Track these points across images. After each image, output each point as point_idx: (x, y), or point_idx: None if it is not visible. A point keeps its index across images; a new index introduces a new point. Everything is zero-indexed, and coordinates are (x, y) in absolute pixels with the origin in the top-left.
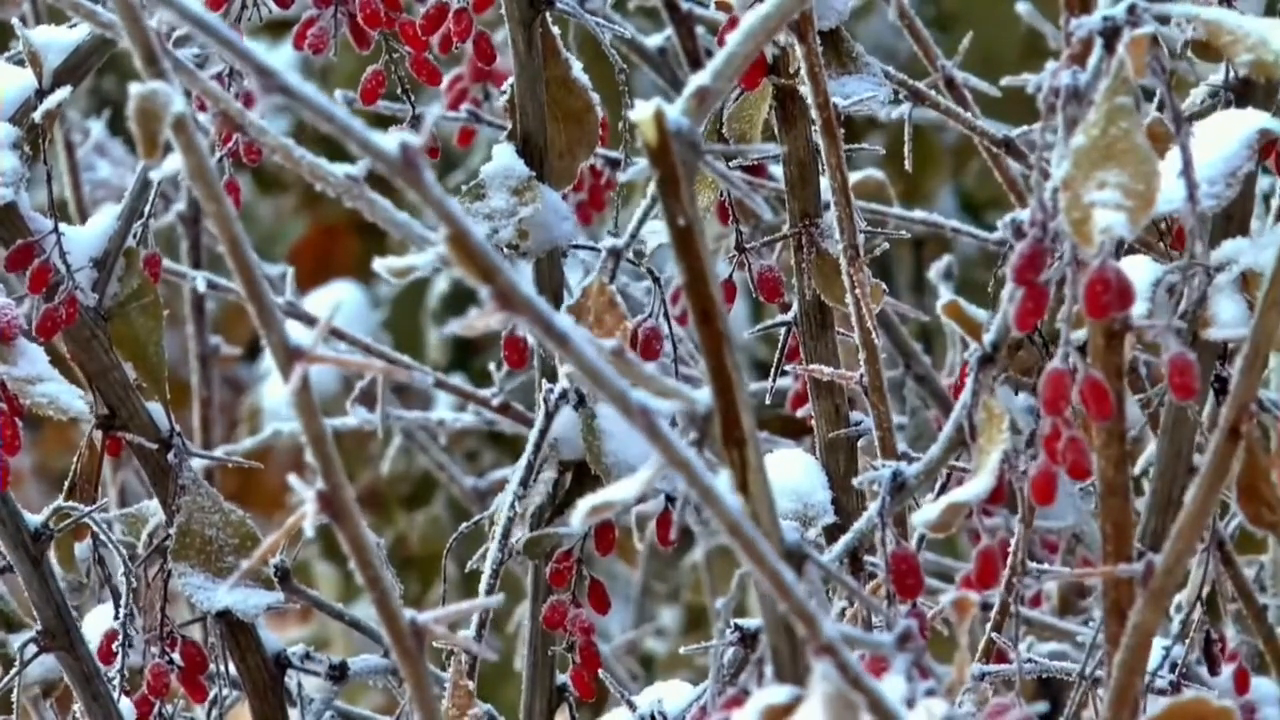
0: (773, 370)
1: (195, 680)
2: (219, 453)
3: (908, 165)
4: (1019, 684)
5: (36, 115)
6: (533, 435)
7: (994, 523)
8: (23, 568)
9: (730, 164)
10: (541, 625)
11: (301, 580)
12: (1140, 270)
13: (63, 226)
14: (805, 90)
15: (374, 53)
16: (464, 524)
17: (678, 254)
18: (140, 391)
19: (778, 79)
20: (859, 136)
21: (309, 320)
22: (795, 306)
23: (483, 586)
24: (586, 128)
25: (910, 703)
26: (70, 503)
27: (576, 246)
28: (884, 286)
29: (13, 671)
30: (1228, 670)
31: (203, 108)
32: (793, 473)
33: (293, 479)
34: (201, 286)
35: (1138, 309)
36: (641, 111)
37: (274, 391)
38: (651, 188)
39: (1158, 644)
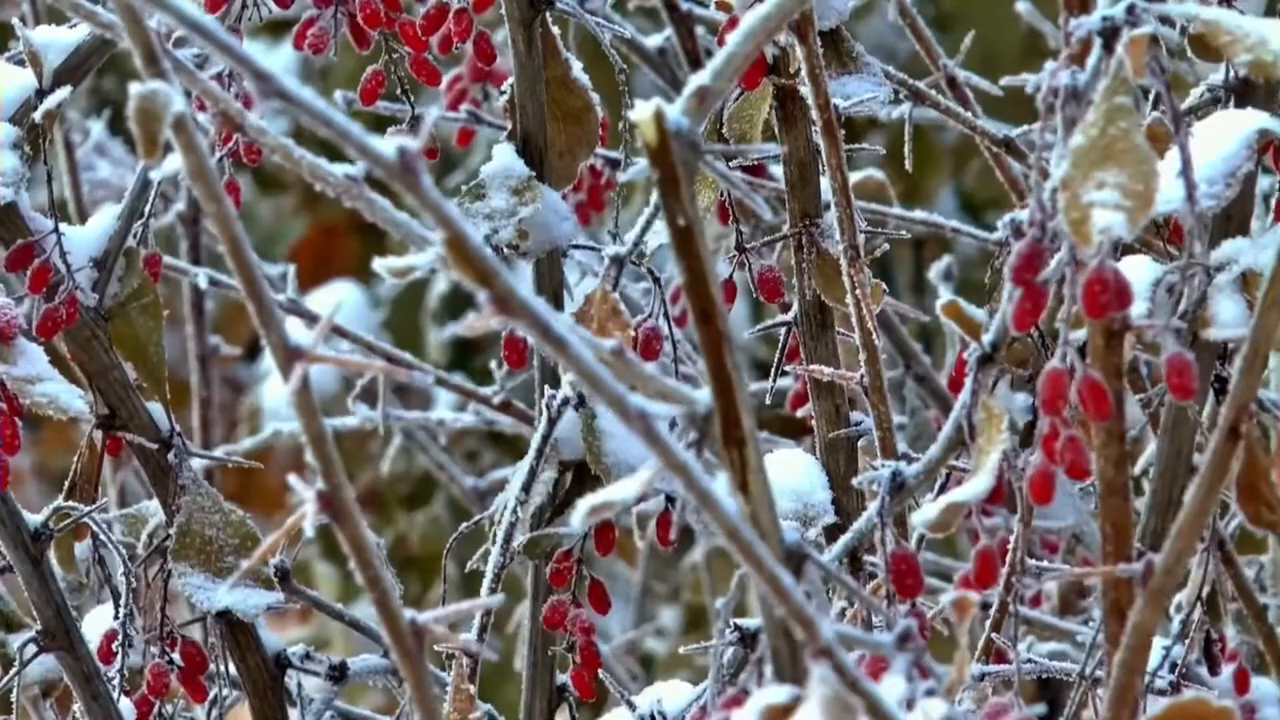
0: (773, 370)
1: (195, 680)
2: (219, 453)
3: (908, 165)
4: (1018, 684)
5: (36, 115)
6: (535, 440)
7: (993, 523)
8: (23, 568)
9: (730, 164)
10: (541, 625)
11: (301, 580)
12: (1139, 270)
13: (63, 226)
14: (806, 91)
15: (374, 53)
16: (464, 524)
17: (678, 254)
18: (140, 391)
19: (778, 79)
20: (859, 136)
21: (310, 317)
22: (795, 306)
23: (485, 588)
24: (586, 128)
25: (910, 703)
26: (70, 503)
27: (577, 247)
28: (884, 287)
29: (13, 671)
30: (1228, 670)
31: (202, 108)
32: (793, 473)
33: (293, 479)
34: (203, 283)
35: (1137, 309)
36: (641, 111)
37: (274, 391)
38: (653, 191)
39: (1158, 644)
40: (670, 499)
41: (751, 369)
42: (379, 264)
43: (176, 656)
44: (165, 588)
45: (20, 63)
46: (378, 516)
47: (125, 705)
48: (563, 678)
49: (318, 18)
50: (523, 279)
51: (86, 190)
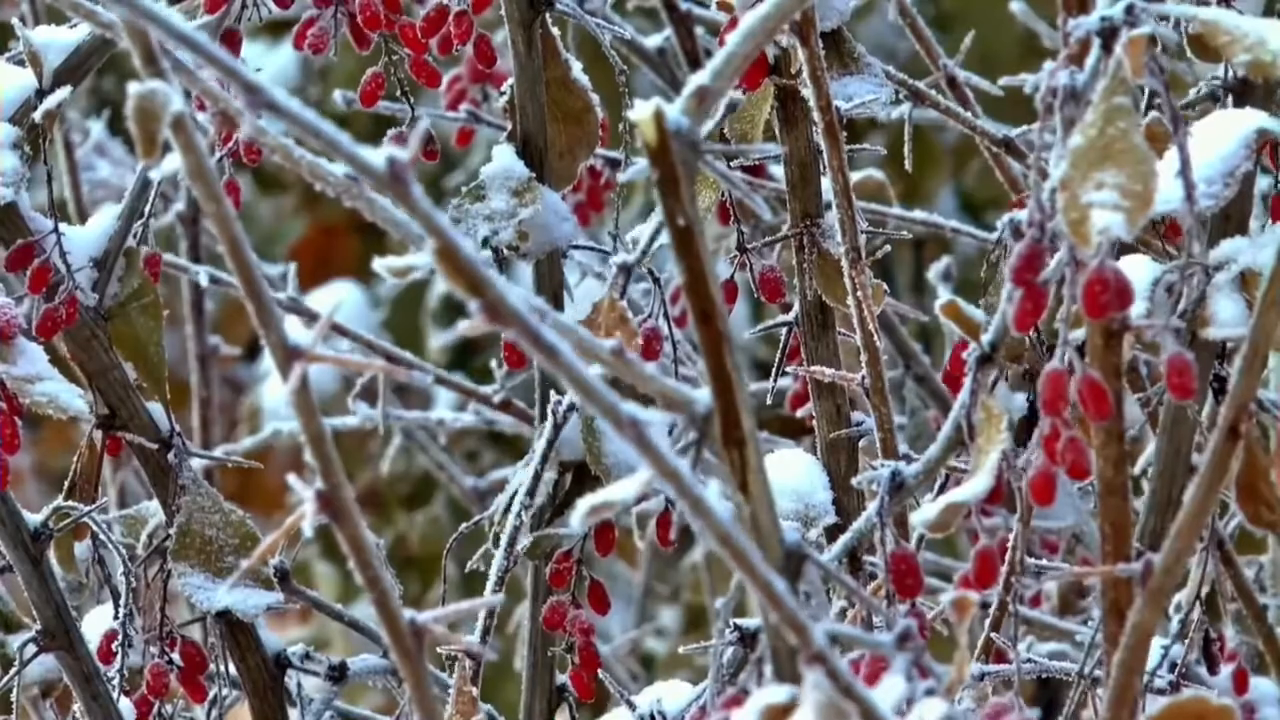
0: (774, 370)
1: (195, 680)
2: (219, 453)
3: (908, 165)
4: (1018, 684)
5: (36, 115)
6: (539, 445)
7: (993, 522)
8: (23, 567)
9: (731, 164)
10: (541, 626)
11: (301, 580)
12: (1139, 269)
13: (63, 226)
14: (807, 92)
15: (374, 53)
16: (464, 524)
17: (678, 254)
18: (140, 391)
19: (780, 79)
20: (859, 136)
21: (310, 317)
22: (796, 307)
23: (488, 589)
24: (586, 128)
25: (909, 702)
26: (70, 502)
27: (577, 247)
28: (885, 287)
29: (12, 671)
30: (1227, 670)
31: (202, 107)
32: (794, 473)
33: (292, 479)
34: (204, 281)
35: (1136, 308)
36: (641, 111)
37: (274, 391)
38: (654, 192)
39: (1157, 644)
40: (670, 499)
41: (751, 369)
42: (379, 264)
43: (176, 656)
44: (165, 588)
45: (20, 63)
46: (377, 516)
47: (125, 705)
48: (562, 678)
49: (318, 18)
50: (522, 280)
51: (86, 190)
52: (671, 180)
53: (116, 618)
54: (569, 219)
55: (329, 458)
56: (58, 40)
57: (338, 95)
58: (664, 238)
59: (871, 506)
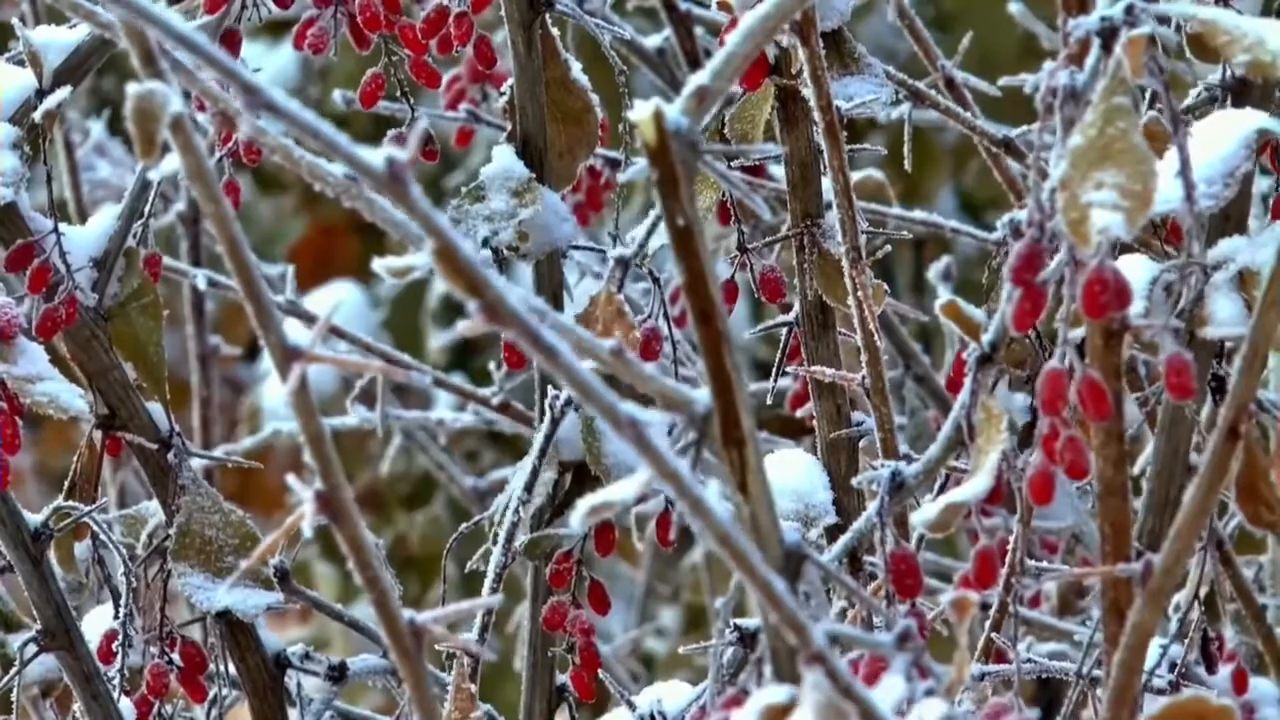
0: (774, 370)
1: (195, 680)
2: (219, 453)
3: (908, 165)
4: (1018, 684)
5: (36, 115)
6: (538, 441)
7: (993, 523)
8: (23, 567)
9: (731, 164)
10: (541, 626)
11: (301, 580)
12: (1138, 269)
13: (63, 226)
14: (808, 92)
15: (374, 53)
16: (464, 524)
17: (677, 254)
18: (140, 391)
19: (780, 80)
20: (859, 137)
21: (309, 318)
22: (797, 307)
23: (486, 589)
24: (586, 128)
25: (909, 703)
26: (70, 502)
27: (576, 248)
28: (885, 287)
29: (13, 671)
30: (1226, 670)
31: (202, 108)
32: (794, 473)
33: (291, 479)
34: (202, 284)
35: (1135, 308)
36: (641, 111)
37: (274, 391)
38: (653, 191)
39: (1156, 643)
40: (670, 499)
41: (751, 369)
42: (378, 264)
43: (176, 656)
44: (165, 588)
45: (20, 63)
46: (377, 517)
47: (125, 705)
48: (562, 678)
49: (318, 18)
50: (522, 281)
51: (86, 190)
52: (671, 180)
53: (116, 618)
54: (569, 219)
55: (328, 458)
56: (58, 40)
57: (337, 95)
58: (661, 233)
59: (871, 506)
